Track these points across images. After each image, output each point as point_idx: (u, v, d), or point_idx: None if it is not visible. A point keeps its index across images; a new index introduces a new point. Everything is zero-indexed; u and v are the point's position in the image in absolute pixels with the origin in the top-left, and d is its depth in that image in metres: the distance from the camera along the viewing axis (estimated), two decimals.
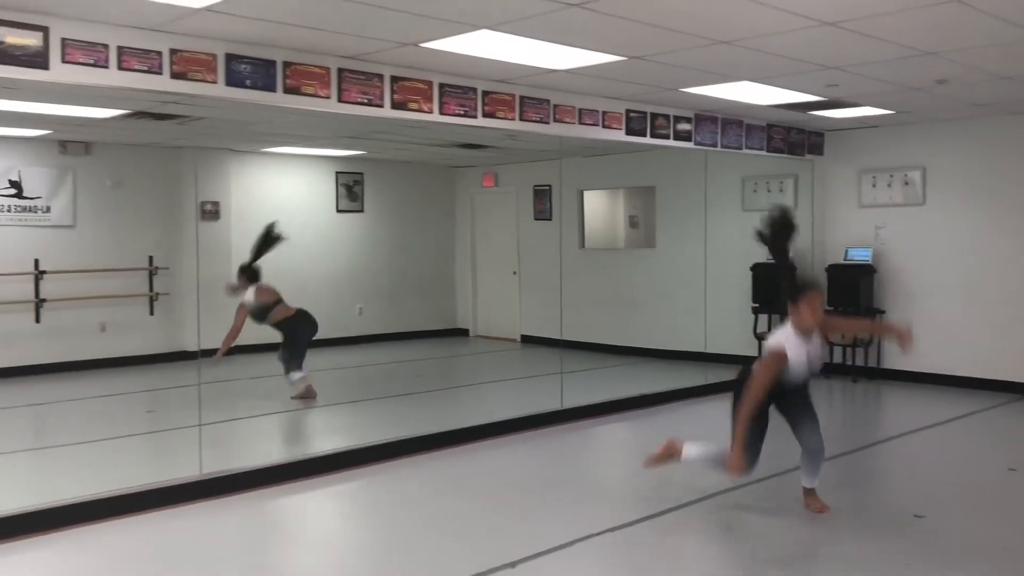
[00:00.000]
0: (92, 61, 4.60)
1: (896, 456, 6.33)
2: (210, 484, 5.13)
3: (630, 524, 4.57)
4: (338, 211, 11.79)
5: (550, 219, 11.79)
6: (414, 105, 5.99)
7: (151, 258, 10.23)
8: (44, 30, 4.44)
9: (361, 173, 11.95)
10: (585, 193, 11.71)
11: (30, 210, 9.42)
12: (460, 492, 5.33)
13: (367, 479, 5.57)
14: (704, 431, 7.13)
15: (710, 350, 9.61)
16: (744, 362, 9.21)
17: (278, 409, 7.70)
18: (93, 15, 4.53)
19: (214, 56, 5.04)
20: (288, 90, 5.36)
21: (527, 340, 12.03)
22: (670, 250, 10.60)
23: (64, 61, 4.51)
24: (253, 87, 5.21)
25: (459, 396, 8.92)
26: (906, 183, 8.83)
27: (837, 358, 9.11)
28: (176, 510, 4.87)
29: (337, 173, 11.73)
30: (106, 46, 4.64)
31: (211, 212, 10.60)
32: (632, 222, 12.81)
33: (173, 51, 4.88)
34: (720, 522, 4.76)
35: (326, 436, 6.94)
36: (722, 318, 9.82)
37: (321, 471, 5.58)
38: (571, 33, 5.08)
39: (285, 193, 11.21)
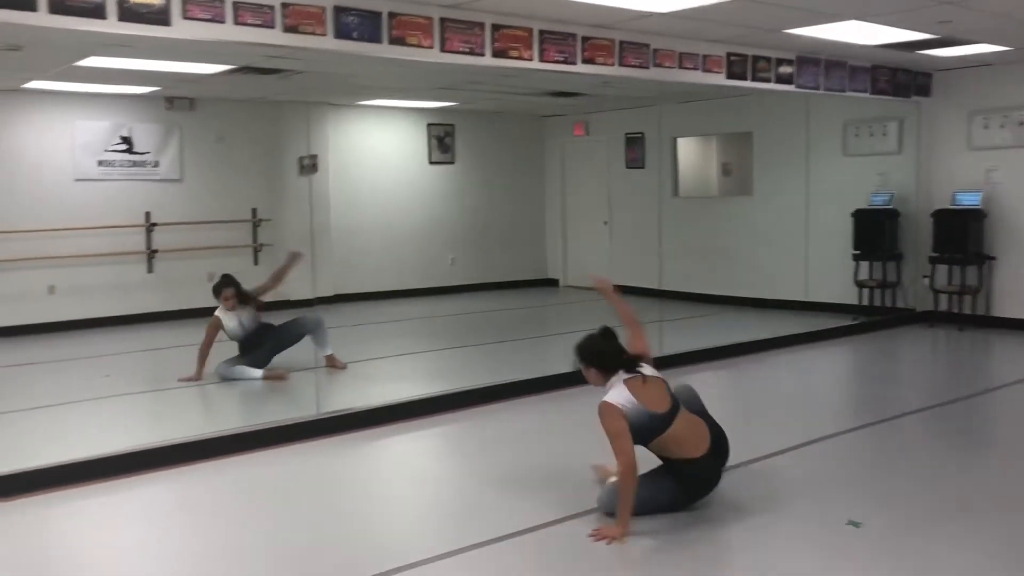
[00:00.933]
0: (210, 17, 4.75)
1: (1016, 402, 6.18)
2: (323, 423, 5.37)
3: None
4: (430, 163, 11.92)
5: (643, 167, 11.68)
6: (515, 53, 6.00)
7: (254, 210, 10.56)
8: None
9: (452, 124, 12.03)
10: (678, 140, 11.55)
11: (140, 165, 9.81)
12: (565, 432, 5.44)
13: (467, 421, 5.71)
14: (807, 378, 7.18)
15: (812, 298, 9.46)
16: (846, 310, 9.16)
17: (382, 354, 7.90)
18: None
19: (323, 8, 5.14)
20: (393, 40, 5.43)
21: (618, 290, 11.99)
22: (767, 197, 10.41)
23: (185, 17, 4.67)
24: (360, 39, 5.30)
25: (553, 344, 8.99)
26: (1021, 123, 8.45)
27: (943, 306, 8.87)
28: (293, 447, 5.12)
29: (429, 125, 11.83)
30: (222, 2, 4.78)
31: (310, 166, 10.85)
32: (725, 169, 12.59)
33: (285, 5, 4.99)
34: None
35: (428, 380, 7.10)
36: (823, 265, 9.64)
37: (427, 412, 5.75)
38: None
39: (379, 146, 11.39)
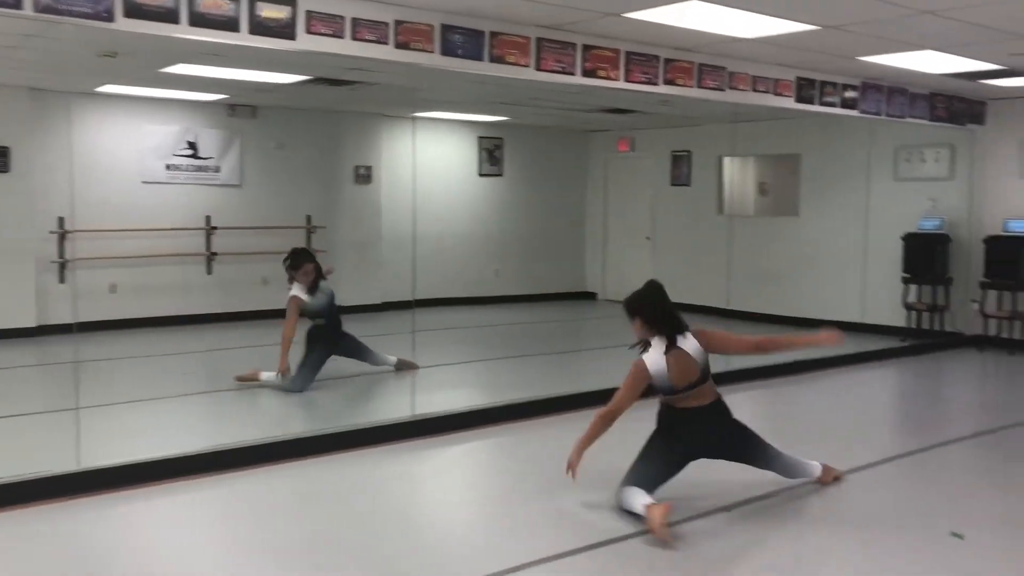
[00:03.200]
0: (331, 32, 4.95)
1: None
2: (371, 432, 5.48)
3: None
4: (480, 175, 12.12)
5: (688, 184, 11.87)
6: (602, 73, 6.19)
7: (309, 217, 10.75)
8: (292, 3, 4.79)
9: (501, 138, 12.23)
10: (723, 159, 11.73)
11: (203, 169, 10.01)
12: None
13: (515, 434, 5.78)
14: (856, 399, 7.28)
15: (861, 320, 9.61)
16: (893, 332, 9.30)
17: (429, 363, 7.98)
18: None
19: (432, 27, 5.34)
20: (494, 59, 5.63)
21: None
22: (814, 218, 10.58)
23: (308, 32, 4.87)
24: (464, 56, 5.50)
25: (593, 357, 9.12)
26: None
27: (992, 331, 9.03)
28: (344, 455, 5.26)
29: (479, 138, 12.04)
30: (343, 18, 4.98)
31: (364, 176, 11.04)
32: (762, 189, 12.77)
33: (398, 22, 5.19)
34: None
35: (476, 391, 7.20)
36: (872, 287, 9.79)
37: (475, 424, 5.80)
38: (776, 3, 5.19)
39: (432, 157, 11.58)
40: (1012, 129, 9.04)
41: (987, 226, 9.14)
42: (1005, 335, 8.94)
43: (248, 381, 6.80)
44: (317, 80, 8.17)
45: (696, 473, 4.37)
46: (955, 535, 3.93)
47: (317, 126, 10.73)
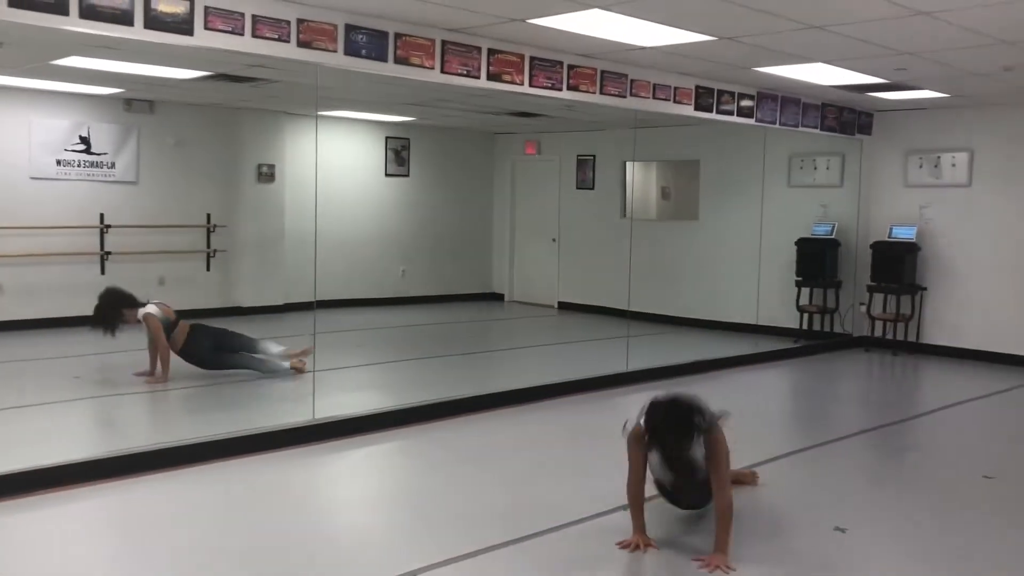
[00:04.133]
0: (230, 28, 4.85)
1: (949, 425, 6.69)
2: (268, 437, 5.44)
3: None
4: (386, 175, 12.05)
5: (592, 188, 12.06)
6: (507, 77, 6.25)
7: (209, 216, 10.49)
8: None
9: (408, 138, 12.18)
10: (627, 164, 11.96)
11: (97, 165, 9.65)
12: (536, 445, 5.67)
13: (417, 437, 5.82)
14: (750, 397, 7.53)
15: (756, 321, 9.94)
16: (786, 333, 9.65)
17: (332, 365, 7.91)
18: None
19: (335, 26, 5.29)
20: (398, 60, 5.61)
21: (564, 307, 12.36)
22: (712, 223, 10.89)
23: (206, 28, 4.76)
24: (367, 57, 5.47)
25: (502, 359, 9.19)
26: (952, 165, 9.12)
27: (878, 332, 9.47)
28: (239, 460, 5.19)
29: (386, 138, 11.96)
30: (243, 15, 4.89)
31: (267, 174, 10.84)
32: (664, 193, 13.10)
33: (300, 21, 5.13)
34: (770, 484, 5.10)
35: (379, 392, 7.13)
36: (767, 290, 10.13)
37: (378, 427, 5.76)
38: (675, 14, 5.33)
39: (337, 157, 11.44)
40: (897, 140, 9.50)
41: (874, 232, 9.58)
42: (890, 336, 9.39)
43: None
44: (218, 76, 7.98)
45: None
46: (838, 529, 4.12)
47: (218, 123, 10.48)
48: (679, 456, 3.79)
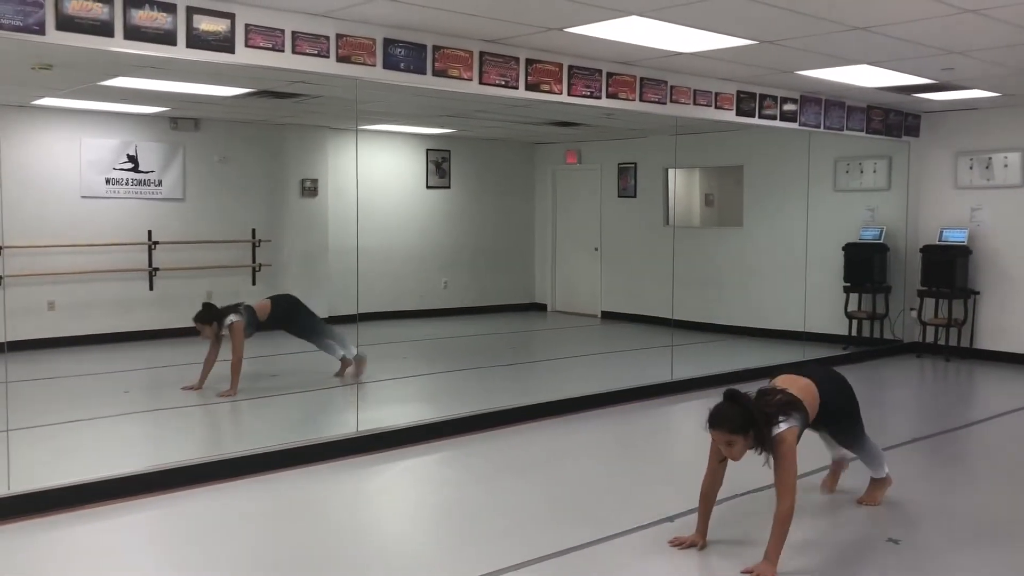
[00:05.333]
0: (271, 45, 4.91)
1: (1004, 432, 6.50)
2: (315, 449, 5.44)
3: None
4: (427, 187, 12.11)
5: (634, 196, 11.98)
6: (545, 87, 6.24)
7: (254, 231, 10.62)
8: (231, 16, 4.74)
9: (448, 150, 12.24)
10: (669, 171, 11.86)
11: (144, 183, 9.84)
12: (579, 456, 5.62)
13: (463, 448, 5.76)
14: None
15: (804, 328, 9.77)
16: (835, 340, 9.48)
17: (379, 377, 7.91)
18: (271, 2, 4.83)
19: (374, 40, 5.33)
20: (436, 72, 5.63)
21: (607, 316, 12.28)
22: (757, 229, 10.75)
23: (247, 46, 4.82)
24: (406, 70, 5.49)
25: (574, 367, 9.11)
26: (1004, 165, 8.89)
27: (929, 337, 9.25)
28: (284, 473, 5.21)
29: (427, 150, 12.03)
30: (283, 31, 4.94)
31: (310, 189, 10.96)
32: (707, 200, 12.96)
33: (339, 36, 5.17)
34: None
35: (425, 404, 7.11)
36: (814, 296, 9.95)
37: (426, 438, 5.77)
38: (714, 18, 5.28)
39: (379, 170, 11.53)
40: (945, 141, 9.30)
41: (923, 235, 9.37)
42: (942, 342, 9.17)
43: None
44: (261, 93, 8.09)
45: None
46: (892, 540, 4.01)
47: (262, 139, 10.62)
48: (725, 447, 3.74)
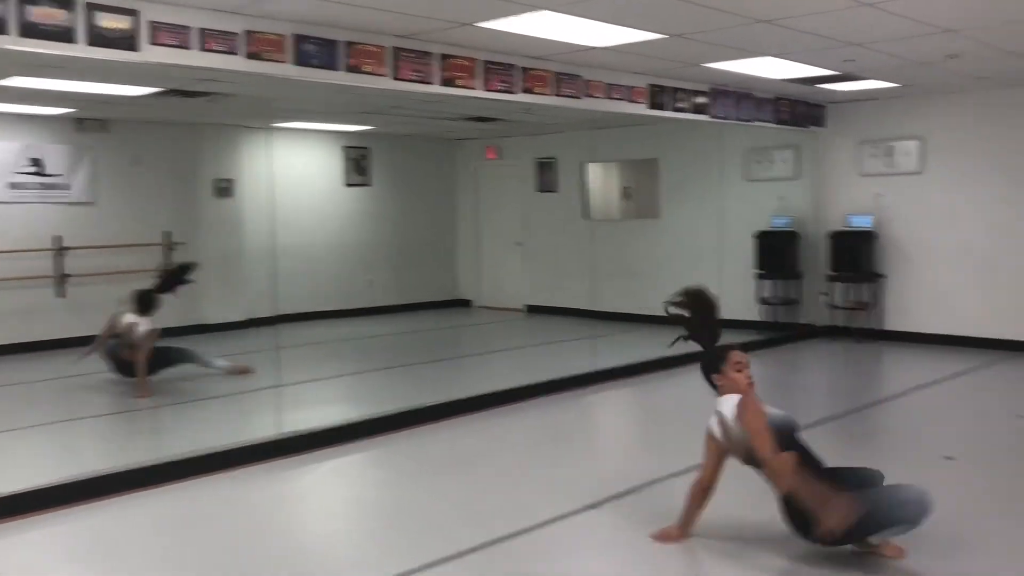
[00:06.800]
0: (177, 43, 4.81)
1: (911, 408, 6.79)
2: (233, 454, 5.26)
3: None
4: (347, 185, 11.99)
5: (555, 191, 12.09)
6: (461, 82, 6.25)
7: (168, 233, 10.37)
8: (135, 13, 4.63)
9: (367, 147, 12.15)
10: (587, 165, 12.01)
11: (51, 187, 9.51)
12: (501, 451, 5.67)
13: (388, 446, 5.72)
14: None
15: (725, 316, 9.97)
16: (750, 326, 9.73)
17: (301, 379, 7.80)
18: None
19: (284, 37, 5.26)
20: (350, 68, 5.59)
21: (532, 310, 12.37)
22: (674, 220, 10.97)
23: (152, 43, 4.71)
24: (319, 66, 5.44)
25: (499, 361, 9.14)
26: (905, 153, 9.26)
27: (840, 321, 9.59)
28: (206, 478, 5.14)
29: (344, 148, 11.92)
30: (189, 28, 4.85)
31: (225, 189, 10.75)
32: (626, 193, 13.14)
33: (248, 32, 5.09)
34: None
35: (349, 404, 7.03)
36: (729, 285, 10.19)
37: (350, 438, 5.70)
38: (623, 12, 5.37)
39: (295, 169, 11.37)
40: (850, 130, 9.64)
41: (831, 222, 9.70)
42: (852, 325, 9.51)
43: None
44: (170, 92, 7.90)
45: None
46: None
47: (174, 139, 10.38)
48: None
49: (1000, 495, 4.57)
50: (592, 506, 4.39)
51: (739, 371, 3.89)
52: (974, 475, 4.89)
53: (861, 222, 9.39)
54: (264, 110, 9.45)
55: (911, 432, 6.10)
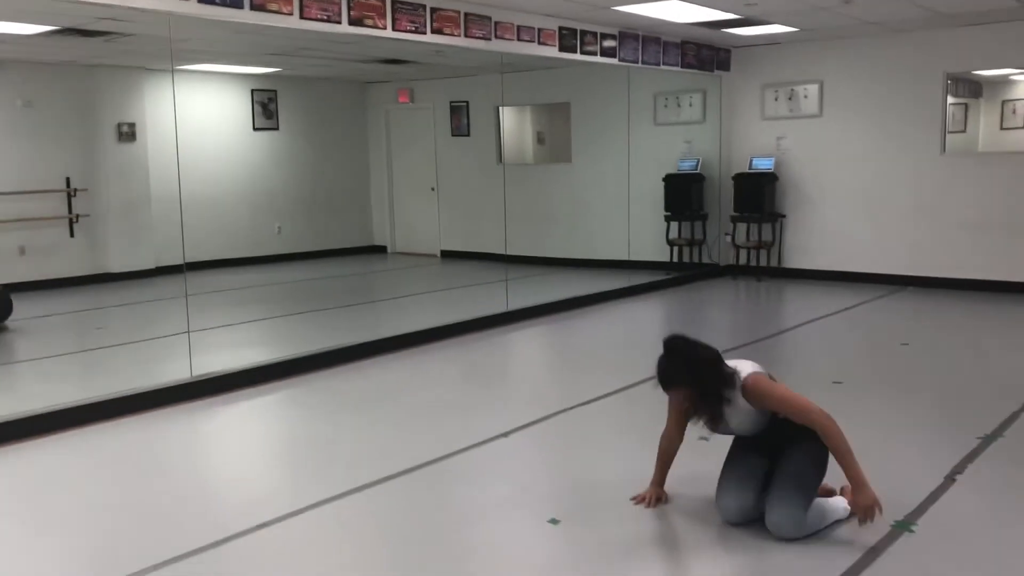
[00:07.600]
0: None
1: (805, 339, 7.18)
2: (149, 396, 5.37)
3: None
4: (254, 129, 11.76)
5: (468, 135, 12.10)
6: (369, 22, 6.21)
7: (68, 179, 10.05)
8: None
9: (275, 91, 11.91)
10: (501, 109, 12.03)
11: None
12: (421, 386, 5.81)
13: (304, 386, 5.82)
14: (624, 328, 7.85)
15: (631, 257, 10.28)
16: (658, 267, 10.04)
17: (211, 324, 7.78)
18: None
19: None
20: (254, 7, 5.50)
21: (447, 255, 12.45)
22: (585, 164, 11.13)
23: None
24: (223, 4, 5.33)
25: (414, 305, 9.21)
26: (805, 96, 9.59)
27: (743, 260, 9.96)
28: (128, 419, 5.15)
29: (252, 91, 11.66)
30: None
31: (127, 134, 10.43)
32: (539, 138, 13.26)
33: None
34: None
35: (259, 347, 7.03)
36: (639, 227, 10.46)
37: (273, 378, 5.80)
38: None
39: (201, 112, 11.10)
40: (754, 74, 9.91)
41: (735, 164, 10.01)
42: (754, 263, 9.89)
43: None
44: (65, 31, 7.61)
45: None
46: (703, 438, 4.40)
47: (72, 81, 10.00)
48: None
49: (881, 415, 4.91)
50: (504, 435, 4.56)
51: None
52: (861, 397, 5.23)
53: (763, 164, 9.72)
54: (167, 51, 9.15)
55: (805, 361, 6.47)
